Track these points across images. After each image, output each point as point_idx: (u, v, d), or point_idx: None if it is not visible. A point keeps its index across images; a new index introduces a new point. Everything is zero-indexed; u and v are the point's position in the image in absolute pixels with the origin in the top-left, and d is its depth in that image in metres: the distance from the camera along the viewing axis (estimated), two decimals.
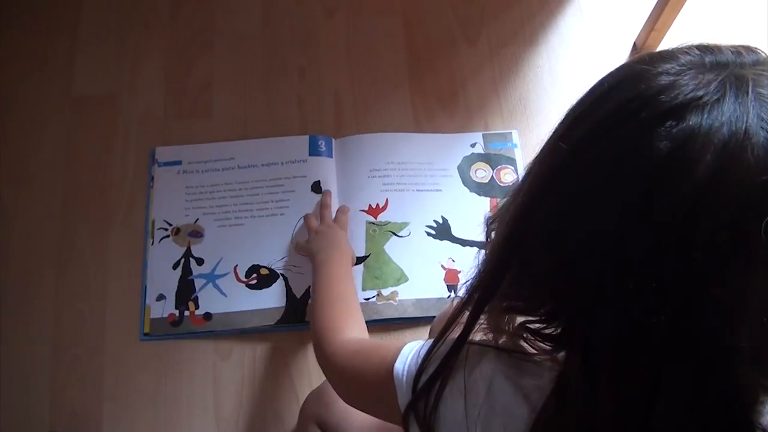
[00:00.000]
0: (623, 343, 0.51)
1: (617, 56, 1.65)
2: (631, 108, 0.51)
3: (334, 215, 1.42)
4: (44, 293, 1.40)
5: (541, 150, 0.60)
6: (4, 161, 1.51)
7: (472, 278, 0.65)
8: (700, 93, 0.49)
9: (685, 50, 0.54)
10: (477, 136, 1.55)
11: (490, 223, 0.68)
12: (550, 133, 0.60)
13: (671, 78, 0.51)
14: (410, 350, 0.73)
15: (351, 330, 1.00)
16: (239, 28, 1.66)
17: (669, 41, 1.63)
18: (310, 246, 1.31)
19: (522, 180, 0.62)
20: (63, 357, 1.36)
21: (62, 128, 1.54)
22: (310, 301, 1.33)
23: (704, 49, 0.54)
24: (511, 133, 1.55)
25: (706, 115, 0.48)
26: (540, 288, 0.60)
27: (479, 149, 1.53)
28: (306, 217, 1.41)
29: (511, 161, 1.52)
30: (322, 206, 1.41)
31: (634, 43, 1.66)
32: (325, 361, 0.94)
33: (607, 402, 0.53)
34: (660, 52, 0.56)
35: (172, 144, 1.53)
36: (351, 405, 0.88)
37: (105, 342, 1.37)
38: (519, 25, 1.68)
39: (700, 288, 0.48)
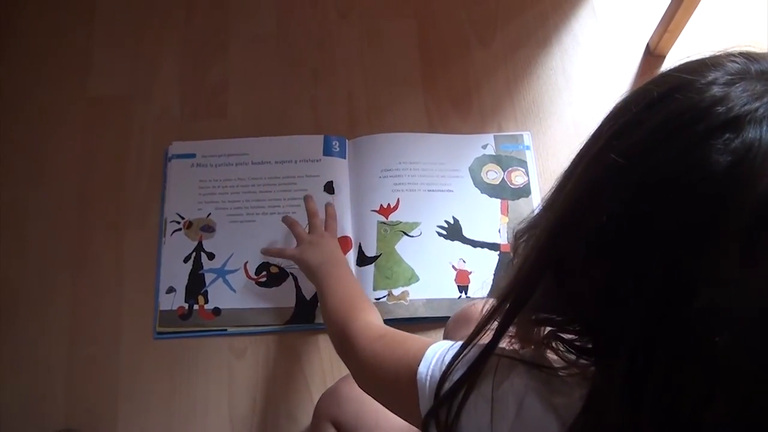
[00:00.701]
0: (679, 362, 0.50)
1: (631, 58, 1.65)
2: (685, 119, 0.50)
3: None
4: (60, 292, 1.42)
5: (579, 160, 0.59)
6: (20, 162, 1.53)
7: (504, 287, 0.63)
8: (756, 105, 0.48)
9: (731, 58, 0.53)
10: (488, 138, 1.55)
11: (519, 236, 0.65)
12: (586, 144, 0.59)
13: (723, 89, 0.50)
14: (434, 353, 0.71)
15: (371, 314, 0.99)
16: (254, 30, 1.67)
17: (682, 43, 1.63)
18: (306, 258, 1.26)
19: (555, 191, 0.60)
20: (79, 356, 1.37)
21: (78, 129, 1.56)
22: (320, 305, 1.28)
23: (748, 57, 0.53)
24: (522, 135, 1.55)
25: (765, 128, 0.47)
26: (578, 303, 0.58)
27: (491, 151, 1.53)
28: (293, 225, 1.35)
29: (522, 163, 1.52)
30: (311, 215, 1.37)
31: (648, 45, 1.66)
32: (348, 342, 0.90)
33: (651, 419, 0.52)
34: (704, 59, 0.55)
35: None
36: (369, 395, 0.86)
37: (120, 341, 1.38)
38: (533, 27, 1.68)
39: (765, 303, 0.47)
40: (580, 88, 1.62)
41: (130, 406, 1.34)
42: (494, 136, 1.55)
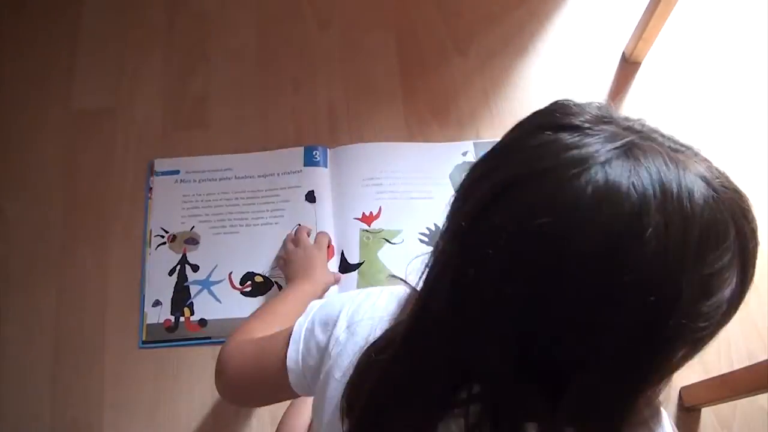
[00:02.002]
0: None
1: (607, 65, 1.68)
2: (538, 167, 0.52)
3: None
4: (45, 303, 1.43)
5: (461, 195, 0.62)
6: (3, 173, 1.54)
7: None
8: (597, 150, 0.51)
9: (585, 109, 0.58)
10: (468, 145, 1.57)
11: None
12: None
13: (576, 137, 0.53)
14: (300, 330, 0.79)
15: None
16: (234, 41, 1.69)
17: (657, 50, 1.66)
18: (287, 271, 1.35)
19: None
20: (64, 365, 1.38)
21: (62, 142, 1.57)
22: None
23: (601, 112, 0.58)
24: None
25: (600, 173, 0.50)
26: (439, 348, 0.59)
27: (470, 157, 1.55)
28: (287, 239, 1.44)
29: None
30: (299, 230, 1.44)
31: (623, 52, 1.69)
32: (217, 363, 0.94)
33: None
34: (562, 107, 0.60)
35: (170, 155, 1.56)
36: (245, 406, 0.92)
37: (105, 350, 1.39)
38: (509, 35, 1.71)
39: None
40: (558, 96, 1.63)
41: (115, 414, 1.34)
42: (474, 143, 1.57)
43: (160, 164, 1.54)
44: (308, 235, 1.44)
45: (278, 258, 1.43)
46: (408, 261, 1.40)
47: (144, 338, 1.39)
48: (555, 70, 1.67)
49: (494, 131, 1.59)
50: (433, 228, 1.48)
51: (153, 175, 1.53)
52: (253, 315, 1.09)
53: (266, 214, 1.49)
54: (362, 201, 1.51)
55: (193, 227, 1.49)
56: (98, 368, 1.37)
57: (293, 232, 1.45)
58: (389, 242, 1.47)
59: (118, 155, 1.56)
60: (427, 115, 1.61)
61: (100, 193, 1.53)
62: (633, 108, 1.62)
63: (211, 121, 1.60)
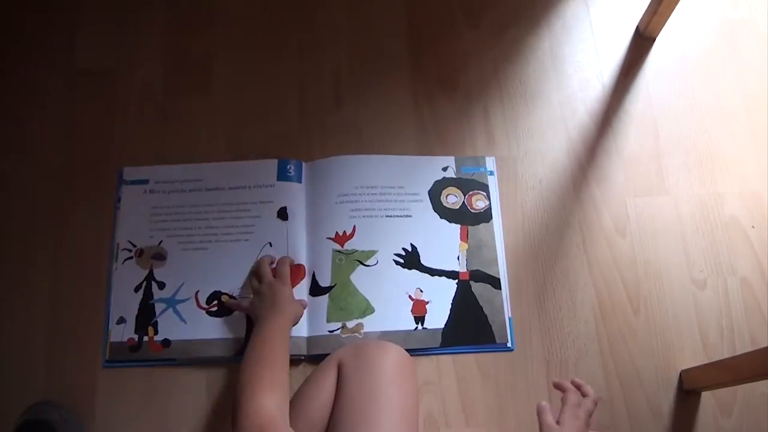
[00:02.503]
0: None
1: (620, 41, 1.64)
2: None
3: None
4: (41, 265, 1.42)
5: None
6: (3, 134, 1.53)
7: None
8: None
9: None
10: (449, 160, 1.52)
11: None
12: None
13: None
14: None
15: (271, 394, 1.01)
16: (240, 2, 1.65)
17: (672, 25, 1.62)
18: (253, 309, 1.29)
19: None
20: (60, 330, 1.38)
21: (62, 101, 1.55)
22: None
23: None
24: (484, 158, 1.52)
25: None
26: None
27: (451, 173, 1.51)
28: (249, 278, 1.39)
29: (484, 187, 1.50)
30: (260, 264, 1.37)
31: (637, 27, 1.65)
32: (235, 417, 0.96)
33: None
34: None
35: (171, 120, 1.54)
36: None
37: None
38: (522, 8, 1.67)
39: None
40: (568, 70, 1.61)
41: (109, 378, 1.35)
42: (455, 158, 1.52)
43: (129, 173, 1.48)
44: (271, 264, 1.38)
45: (241, 299, 1.38)
46: (381, 284, 1.39)
47: (107, 357, 1.35)
48: (566, 43, 1.64)
49: (503, 105, 1.57)
50: (410, 248, 1.44)
51: (122, 184, 1.47)
52: (243, 373, 1.07)
53: (235, 230, 1.44)
54: (336, 219, 1.45)
55: (161, 242, 1.43)
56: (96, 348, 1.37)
57: (255, 267, 1.39)
58: (363, 264, 1.42)
59: (117, 116, 1.54)
60: (435, 87, 1.58)
61: (99, 155, 1.50)
62: (645, 85, 1.59)
63: (213, 85, 1.57)
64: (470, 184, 1.50)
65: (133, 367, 1.36)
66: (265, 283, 1.32)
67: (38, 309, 1.39)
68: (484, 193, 1.49)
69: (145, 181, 1.48)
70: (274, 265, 1.38)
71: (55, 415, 1.25)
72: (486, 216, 1.48)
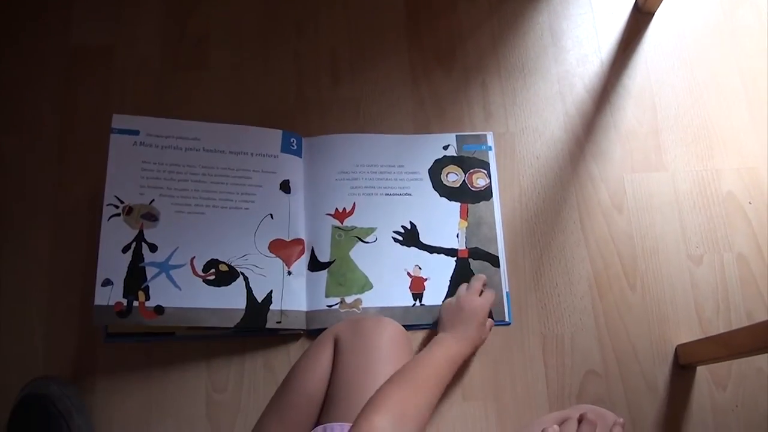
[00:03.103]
0: None
1: (618, 15, 1.64)
2: None
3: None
4: (40, 243, 1.43)
5: None
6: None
7: None
8: None
9: None
10: (450, 138, 1.51)
11: None
12: None
13: None
14: None
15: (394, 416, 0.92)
16: None
17: (670, 1, 1.62)
18: (447, 317, 1.30)
19: None
20: (60, 303, 1.39)
21: (59, 78, 1.54)
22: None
23: None
24: (486, 135, 1.52)
25: None
26: None
27: (452, 152, 1.50)
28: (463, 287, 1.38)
29: (485, 165, 1.50)
30: (478, 279, 1.38)
31: (636, 2, 1.64)
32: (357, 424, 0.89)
33: None
34: None
35: (168, 96, 1.53)
36: None
37: None
38: None
39: None
40: (567, 45, 1.60)
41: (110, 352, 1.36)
42: (456, 135, 1.51)
43: (118, 120, 1.36)
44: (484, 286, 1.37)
45: (448, 302, 1.34)
46: (380, 261, 1.39)
47: (95, 319, 1.28)
48: (565, 19, 1.63)
49: (500, 81, 1.56)
50: (409, 226, 1.44)
51: (111, 133, 1.36)
52: (390, 383, 0.99)
53: (236, 197, 1.38)
54: (336, 196, 1.44)
55: (153, 201, 1.34)
56: None
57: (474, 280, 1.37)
58: (362, 241, 1.42)
59: (114, 93, 1.53)
60: (433, 61, 1.58)
61: (94, 133, 1.50)
62: (644, 60, 1.59)
63: (210, 63, 1.57)
64: (471, 162, 1.50)
65: (132, 342, 1.36)
66: (472, 297, 1.32)
67: (36, 280, 1.40)
68: (485, 171, 1.49)
69: (135, 132, 1.37)
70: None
71: (54, 389, 1.25)
72: (486, 194, 1.48)
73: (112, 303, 1.27)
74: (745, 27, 1.63)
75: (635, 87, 1.57)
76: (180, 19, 1.60)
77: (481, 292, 1.35)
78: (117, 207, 1.32)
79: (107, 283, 1.28)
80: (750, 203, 1.48)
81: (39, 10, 1.60)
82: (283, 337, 1.37)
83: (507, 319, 1.39)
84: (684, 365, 1.36)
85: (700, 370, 1.36)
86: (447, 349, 1.18)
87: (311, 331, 1.36)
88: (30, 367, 1.34)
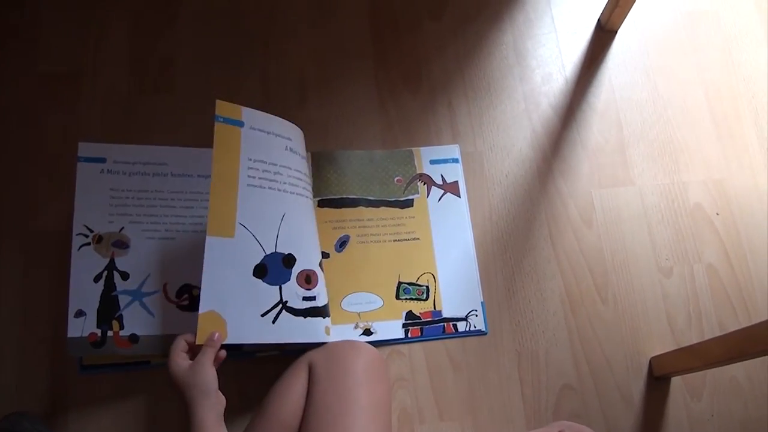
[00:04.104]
0: None
1: (582, 33, 1.66)
2: None
3: None
4: (10, 268, 1.41)
5: None
6: None
7: None
8: None
9: None
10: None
11: None
12: None
13: None
14: None
15: None
16: (204, 3, 1.64)
17: (633, 17, 1.64)
18: (180, 381, 1.09)
19: None
20: (31, 338, 1.36)
21: (25, 104, 1.53)
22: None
23: None
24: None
25: None
26: None
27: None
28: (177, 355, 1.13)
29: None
30: (183, 339, 1.14)
31: (599, 20, 1.67)
32: None
33: None
34: None
35: (136, 119, 1.52)
36: None
37: None
38: (484, 2, 1.68)
39: None
40: (532, 65, 1.62)
41: (83, 384, 1.34)
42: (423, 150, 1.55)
43: (84, 149, 1.35)
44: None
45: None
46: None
47: (69, 350, 1.25)
48: (529, 38, 1.65)
49: (467, 101, 1.57)
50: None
51: (77, 161, 1.35)
52: None
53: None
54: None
55: (123, 228, 1.33)
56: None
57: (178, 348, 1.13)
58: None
59: (82, 119, 1.52)
60: (399, 83, 1.59)
61: (64, 156, 1.48)
62: (608, 77, 1.61)
63: (178, 86, 1.56)
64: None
65: (108, 373, 1.34)
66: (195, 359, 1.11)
67: (8, 313, 1.38)
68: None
69: (102, 160, 1.36)
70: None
71: (26, 426, 1.24)
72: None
73: (85, 334, 1.25)
74: (706, 42, 1.66)
75: (600, 104, 1.59)
76: (147, 44, 1.60)
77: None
78: (87, 236, 1.31)
79: (80, 314, 1.26)
80: (717, 214, 1.50)
81: (6, 36, 1.59)
82: (259, 362, 1.36)
83: (483, 329, 1.40)
84: (658, 377, 1.37)
85: (675, 381, 1.37)
86: (209, 422, 1.05)
87: (286, 352, 1.34)
88: (2, 403, 1.32)
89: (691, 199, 1.51)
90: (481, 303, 1.41)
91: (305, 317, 1.23)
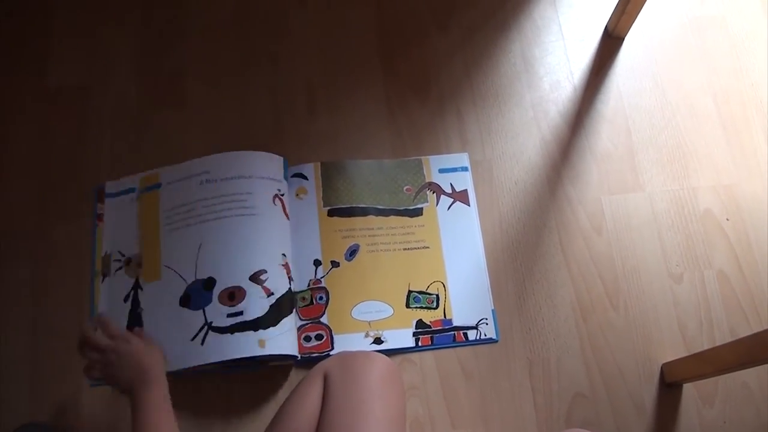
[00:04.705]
0: None
1: (589, 41, 1.66)
2: None
3: None
4: (21, 285, 1.42)
5: None
6: None
7: None
8: None
9: None
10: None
11: None
12: None
13: None
14: None
15: None
16: (211, 16, 1.65)
17: (640, 24, 1.64)
18: (112, 379, 1.15)
19: None
20: (43, 349, 1.37)
21: (35, 119, 1.55)
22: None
23: None
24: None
25: None
26: None
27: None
28: (87, 336, 1.18)
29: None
30: (86, 331, 1.18)
31: (606, 27, 1.67)
32: None
33: None
34: None
35: (145, 133, 1.53)
36: None
37: None
38: (490, 10, 1.68)
39: None
40: (540, 72, 1.62)
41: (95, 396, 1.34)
42: (431, 158, 1.56)
43: (111, 186, 1.47)
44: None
45: (91, 368, 1.19)
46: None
47: None
48: (536, 45, 1.65)
49: (475, 109, 1.58)
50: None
51: (104, 199, 1.46)
52: None
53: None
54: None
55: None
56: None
57: (94, 329, 1.20)
58: None
59: (92, 134, 1.53)
60: (408, 92, 1.59)
61: (75, 172, 1.50)
62: (616, 84, 1.61)
63: (187, 99, 1.57)
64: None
65: None
66: (108, 348, 1.16)
67: (20, 329, 1.39)
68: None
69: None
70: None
71: None
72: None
73: None
74: (713, 47, 1.66)
75: (609, 110, 1.59)
76: (156, 57, 1.61)
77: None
78: (119, 260, 1.41)
79: None
80: (727, 220, 1.50)
81: (14, 54, 1.60)
82: (271, 373, 1.36)
83: (494, 337, 1.40)
84: (670, 383, 1.37)
85: (687, 387, 1.37)
86: (152, 400, 1.09)
87: (302, 360, 1.35)
88: (16, 414, 1.33)
89: (701, 205, 1.51)
90: (492, 311, 1.41)
91: (232, 333, 1.28)
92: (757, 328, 1.41)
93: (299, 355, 1.34)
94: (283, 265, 1.37)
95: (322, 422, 1.08)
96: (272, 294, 1.32)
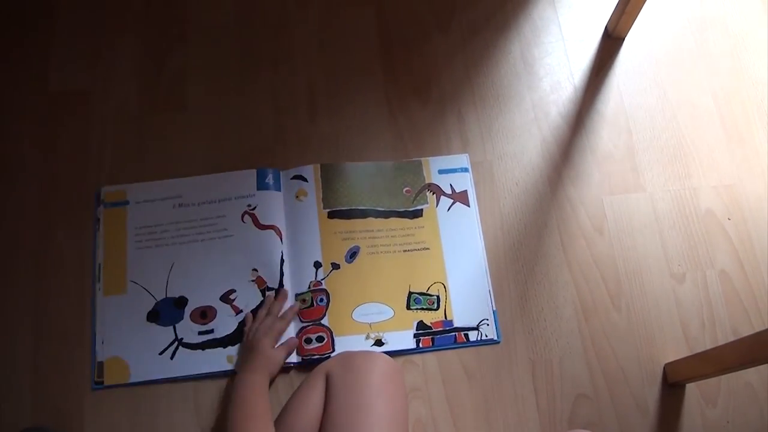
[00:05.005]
0: None
1: (589, 41, 1.66)
2: None
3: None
4: (23, 289, 1.42)
5: None
6: None
7: None
8: None
9: None
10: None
11: None
12: None
13: None
14: None
15: None
16: (212, 20, 1.66)
17: (640, 24, 1.64)
18: (240, 352, 1.35)
19: None
20: (44, 354, 1.37)
21: (37, 123, 1.55)
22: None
23: None
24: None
25: None
26: None
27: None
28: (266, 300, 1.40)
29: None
30: (282, 293, 1.41)
31: (606, 27, 1.67)
32: None
33: None
34: None
35: (146, 137, 1.53)
36: None
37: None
38: (491, 12, 1.68)
39: None
40: (540, 73, 1.62)
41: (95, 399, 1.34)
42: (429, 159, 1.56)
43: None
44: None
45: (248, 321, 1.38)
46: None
47: (96, 377, 1.35)
48: (536, 46, 1.65)
49: (476, 110, 1.58)
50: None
51: (101, 206, 1.47)
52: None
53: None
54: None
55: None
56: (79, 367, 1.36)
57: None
58: None
59: (94, 137, 1.54)
60: (408, 94, 1.59)
61: (77, 176, 1.50)
62: (616, 84, 1.61)
63: (188, 103, 1.57)
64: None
65: (120, 387, 1.35)
66: (257, 319, 1.36)
67: (22, 334, 1.38)
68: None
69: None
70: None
71: None
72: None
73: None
74: (714, 47, 1.66)
75: (609, 111, 1.58)
76: (157, 61, 1.61)
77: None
78: None
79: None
80: (729, 219, 1.49)
81: (16, 58, 1.61)
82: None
83: (495, 338, 1.39)
84: (673, 384, 1.36)
85: (690, 387, 1.36)
86: (250, 385, 1.19)
87: (301, 363, 1.35)
88: (19, 418, 1.32)
89: (703, 205, 1.51)
90: (493, 312, 1.41)
91: (204, 349, 1.37)
92: (759, 328, 1.41)
93: (293, 363, 1.35)
94: (253, 280, 1.41)
95: (325, 422, 1.08)
96: (241, 311, 1.39)
